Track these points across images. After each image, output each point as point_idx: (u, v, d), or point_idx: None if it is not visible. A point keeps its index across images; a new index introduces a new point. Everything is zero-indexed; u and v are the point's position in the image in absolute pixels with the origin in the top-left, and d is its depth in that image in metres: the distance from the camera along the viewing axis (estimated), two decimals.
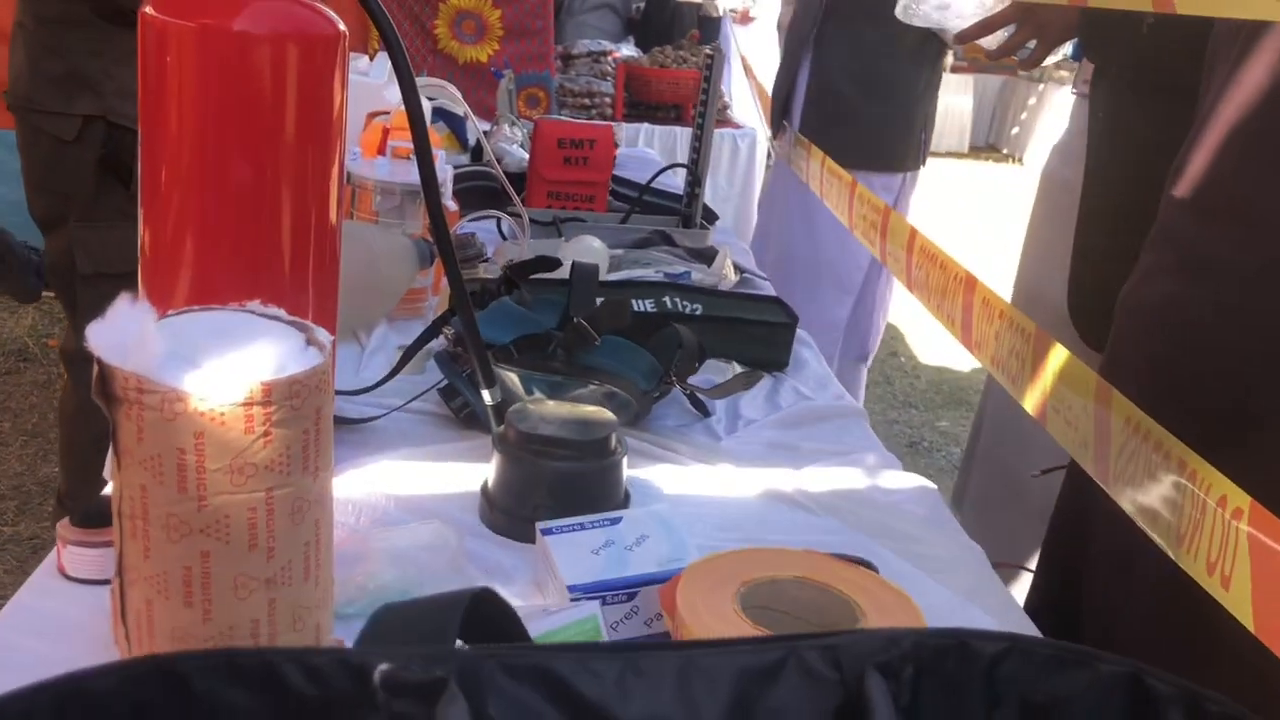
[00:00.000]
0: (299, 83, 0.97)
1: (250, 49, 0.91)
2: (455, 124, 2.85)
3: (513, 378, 1.17)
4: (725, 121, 4.39)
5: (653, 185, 2.85)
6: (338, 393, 1.21)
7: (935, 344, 4.09)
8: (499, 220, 2.03)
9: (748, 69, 4.58)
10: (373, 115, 1.80)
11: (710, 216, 2.31)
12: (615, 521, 0.91)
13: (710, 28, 5.98)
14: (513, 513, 1.00)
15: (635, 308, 1.49)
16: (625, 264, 1.88)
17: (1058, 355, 1.14)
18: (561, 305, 1.30)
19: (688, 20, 5.82)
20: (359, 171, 1.53)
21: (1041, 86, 10.20)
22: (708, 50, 2.06)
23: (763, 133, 4.62)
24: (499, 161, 2.42)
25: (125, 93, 1.81)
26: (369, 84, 1.85)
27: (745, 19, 6.03)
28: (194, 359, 0.65)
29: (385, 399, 1.26)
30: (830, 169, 2.50)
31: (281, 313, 0.73)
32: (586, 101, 4.17)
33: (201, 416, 0.63)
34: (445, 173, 1.56)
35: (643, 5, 6.00)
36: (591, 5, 5.98)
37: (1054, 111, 10.00)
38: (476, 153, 2.65)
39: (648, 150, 3.55)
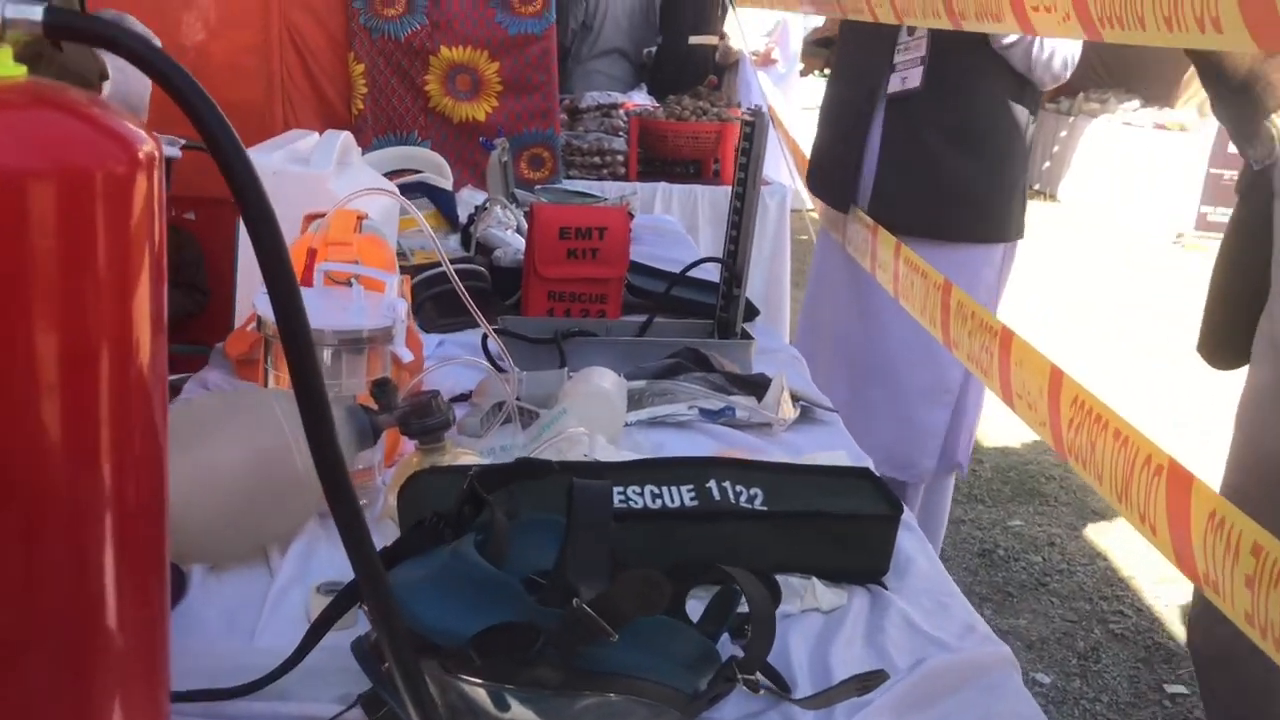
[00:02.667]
0: (51, 237, 0.53)
1: None
2: (441, 200, 2.42)
3: (476, 692, 0.71)
4: None
5: (672, 259, 2.41)
6: (206, 695, 0.75)
7: (997, 422, 3.62)
8: (485, 338, 1.59)
9: (775, 120, 4.14)
10: (312, 218, 1.35)
11: (751, 312, 1.86)
12: None
13: (728, 73, 5.56)
14: None
15: (668, 501, 1.03)
16: (649, 398, 1.43)
17: (1020, 348, 1.34)
18: (562, 531, 0.84)
19: (703, 64, 5.40)
20: (270, 314, 1.08)
21: (1072, 119, 9.76)
22: (747, 113, 1.62)
23: (793, 188, 4.18)
24: (489, 253, 1.98)
25: None
26: (308, 176, 1.42)
27: (767, 61, 5.61)
28: None
29: (284, 706, 0.80)
30: (884, 241, 2.05)
31: None
32: (597, 160, 3.74)
33: None
34: (397, 310, 1.10)
35: (654, 50, 5.59)
36: (600, 51, 5.56)
37: (1087, 144, 9.55)
38: (468, 234, 2.21)
39: (667, 218, 3.11)
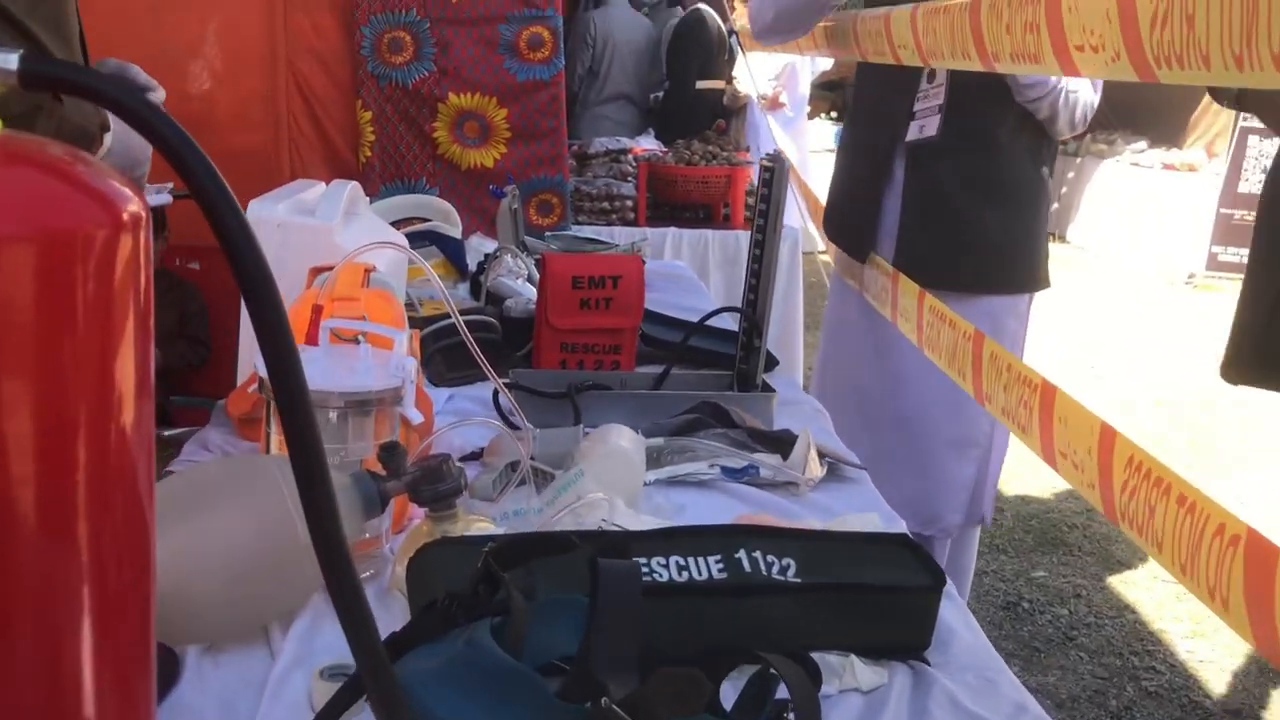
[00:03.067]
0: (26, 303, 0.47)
1: None
2: (450, 248, 2.38)
3: None
4: None
5: (686, 307, 2.35)
6: None
7: (1017, 469, 3.55)
8: (496, 394, 1.53)
9: (791, 169, 4.10)
10: (318, 272, 1.30)
11: (771, 363, 1.80)
12: None
13: (735, 116, 5.55)
14: None
15: (695, 573, 0.97)
16: (668, 456, 1.37)
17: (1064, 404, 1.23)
18: (585, 612, 0.78)
19: (710, 109, 5.38)
20: None
21: (1080, 160, 9.75)
22: (766, 159, 1.57)
23: (804, 230, 4.14)
24: (500, 303, 1.92)
25: None
26: (314, 228, 1.36)
27: (775, 105, 5.59)
28: None
29: None
30: (906, 290, 1.99)
31: None
32: (606, 206, 3.71)
33: None
34: (406, 370, 1.04)
35: (661, 95, 5.58)
36: (607, 96, 5.56)
37: (1096, 186, 9.53)
38: (477, 283, 2.16)
39: (679, 264, 3.06)
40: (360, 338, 1.13)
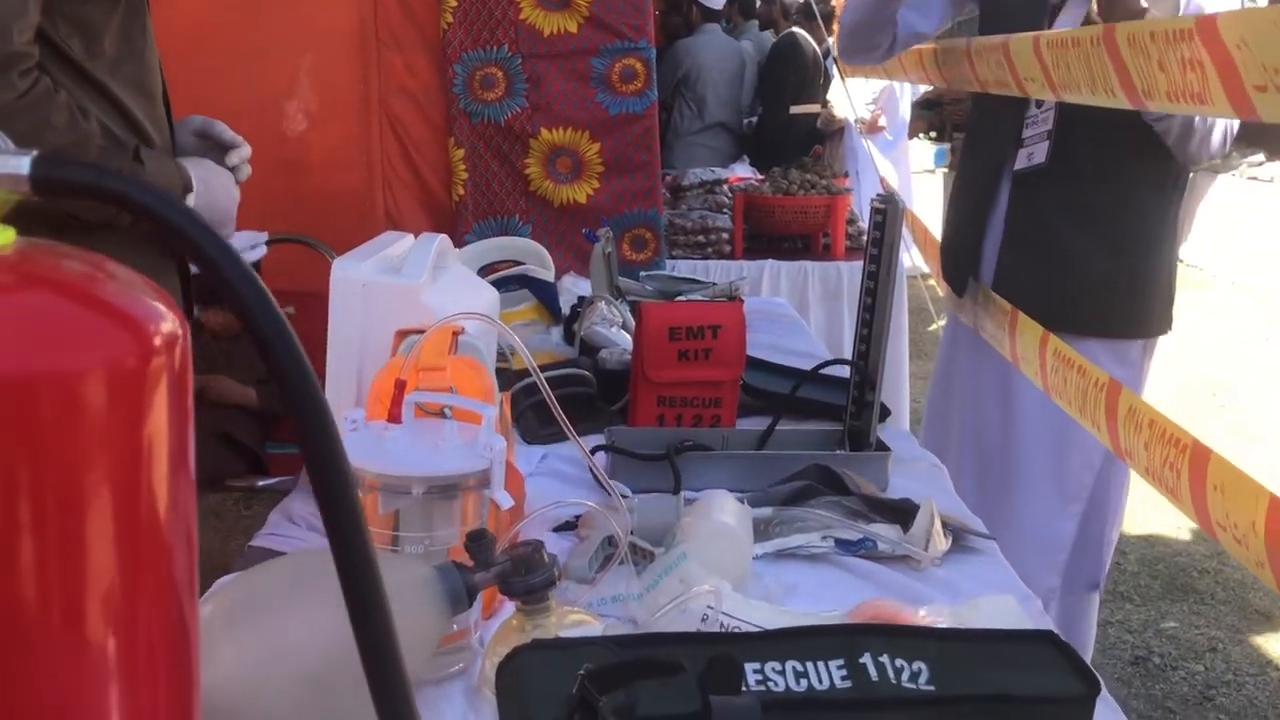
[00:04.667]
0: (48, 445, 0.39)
1: None
2: (543, 292, 2.30)
3: None
4: (861, 249, 3.78)
5: (789, 349, 2.25)
6: None
7: (1139, 506, 3.34)
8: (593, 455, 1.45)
9: (886, 189, 3.98)
10: (404, 335, 1.23)
11: (884, 414, 1.68)
12: None
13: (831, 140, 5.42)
14: None
15: (815, 681, 0.86)
16: (777, 529, 1.26)
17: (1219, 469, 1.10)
18: None
19: (805, 134, 5.26)
20: (355, 463, 0.95)
21: (1192, 176, 9.35)
22: (877, 201, 1.46)
23: (909, 261, 3.99)
24: (594, 354, 1.84)
25: None
26: (401, 288, 1.30)
27: (874, 128, 5.45)
28: None
29: None
30: (1028, 331, 1.85)
31: None
32: (701, 239, 3.62)
33: None
34: (494, 450, 0.96)
35: (754, 120, 5.49)
36: (702, 125, 5.48)
37: (1211, 201, 9.12)
38: (571, 329, 2.09)
39: (779, 301, 2.95)
40: (447, 411, 1.05)
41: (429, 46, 3.38)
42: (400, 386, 0.99)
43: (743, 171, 4.46)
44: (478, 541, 0.93)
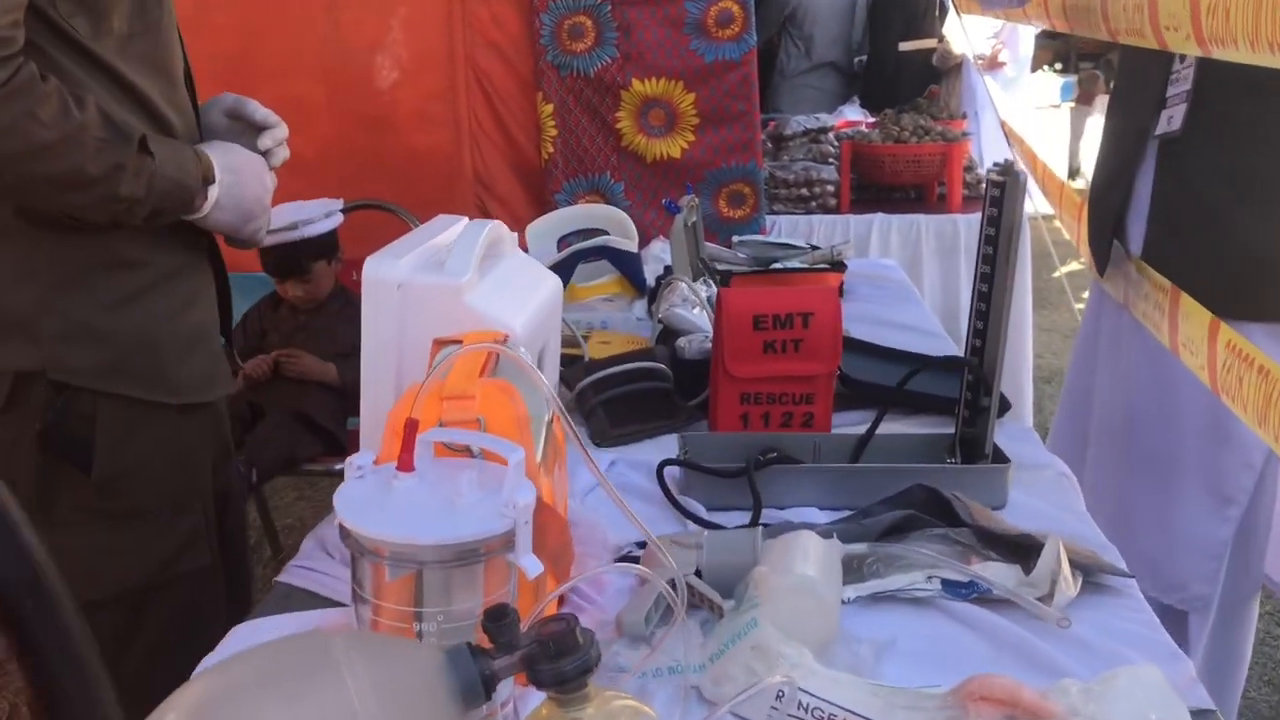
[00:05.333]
0: None
1: None
2: (626, 264, 2.14)
3: None
4: (980, 199, 3.50)
5: (895, 322, 2.04)
6: None
7: None
8: (660, 469, 1.29)
9: (1014, 137, 3.67)
10: (442, 344, 1.08)
11: (1003, 408, 1.47)
12: None
13: (948, 79, 5.07)
14: None
15: None
16: (873, 567, 1.08)
17: None
18: None
19: (917, 72, 4.91)
20: (355, 524, 0.79)
21: None
22: (995, 171, 1.24)
23: (1030, 207, 3.70)
24: (673, 340, 1.67)
25: (74, 335, 1.19)
26: (441, 287, 1.13)
27: (994, 64, 5.07)
28: None
29: None
30: (1193, 316, 1.61)
31: None
32: (804, 193, 3.39)
33: None
34: (518, 506, 0.80)
35: (864, 59, 5.16)
36: (810, 65, 5.19)
37: None
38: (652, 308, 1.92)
39: (886, 263, 2.72)
40: (475, 449, 0.90)
41: None
42: (411, 427, 0.83)
43: (852, 115, 4.19)
44: (498, 621, 0.77)
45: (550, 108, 3.23)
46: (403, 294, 1.15)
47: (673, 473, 1.31)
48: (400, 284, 1.15)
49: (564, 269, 2.09)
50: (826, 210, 3.37)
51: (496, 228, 1.32)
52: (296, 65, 3.28)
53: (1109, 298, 1.99)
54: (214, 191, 1.21)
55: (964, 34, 4.53)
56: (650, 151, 3.23)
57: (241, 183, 1.25)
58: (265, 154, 1.31)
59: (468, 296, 1.16)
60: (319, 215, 2.55)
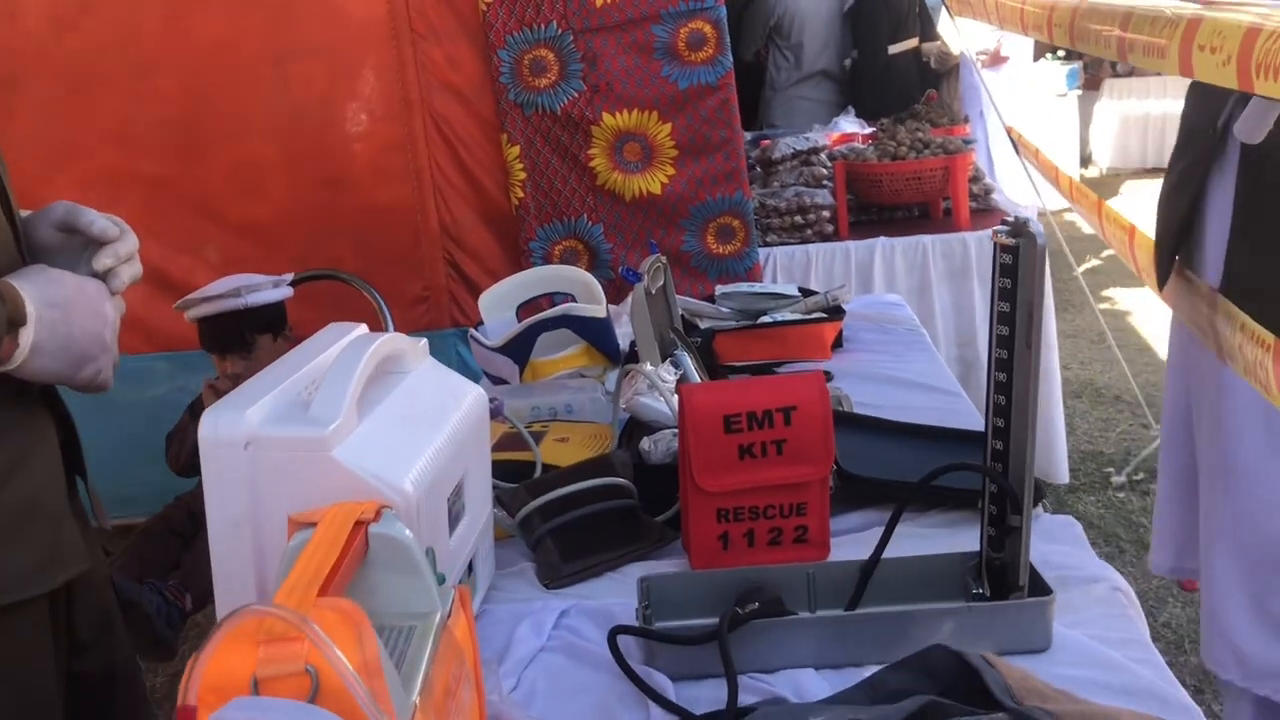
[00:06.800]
0: None
1: None
2: (592, 331, 1.88)
3: None
4: (990, 210, 3.24)
5: (903, 379, 1.78)
6: None
7: None
8: (612, 637, 1.04)
9: (1021, 143, 3.40)
10: (298, 526, 0.82)
11: (1037, 496, 1.20)
12: None
13: (944, 80, 4.80)
14: None
15: None
16: None
17: None
18: None
19: (907, 75, 4.61)
20: None
21: None
22: (1002, 235, 0.97)
23: (1039, 202, 3.42)
24: (638, 445, 1.41)
25: None
26: (298, 441, 0.86)
27: (996, 60, 4.79)
28: None
29: None
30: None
31: None
32: (798, 220, 3.13)
33: None
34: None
35: (850, 62, 4.85)
36: (801, 75, 4.91)
37: None
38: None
39: (889, 298, 2.44)
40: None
41: (469, 33, 2.97)
42: (188, 716, 0.58)
43: (848, 126, 3.92)
44: None
45: (517, 150, 2.99)
46: (252, 455, 0.89)
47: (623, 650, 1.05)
48: (248, 442, 0.89)
49: (523, 342, 1.84)
50: (823, 237, 3.11)
51: (391, 340, 1.06)
52: (246, 127, 3.05)
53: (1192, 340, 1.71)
54: (27, 336, 0.96)
55: (958, 34, 4.26)
56: (628, 189, 2.98)
57: (69, 320, 1.00)
58: (106, 275, 1.06)
59: (338, 451, 0.90)
60: (266, 284, 2.30)
